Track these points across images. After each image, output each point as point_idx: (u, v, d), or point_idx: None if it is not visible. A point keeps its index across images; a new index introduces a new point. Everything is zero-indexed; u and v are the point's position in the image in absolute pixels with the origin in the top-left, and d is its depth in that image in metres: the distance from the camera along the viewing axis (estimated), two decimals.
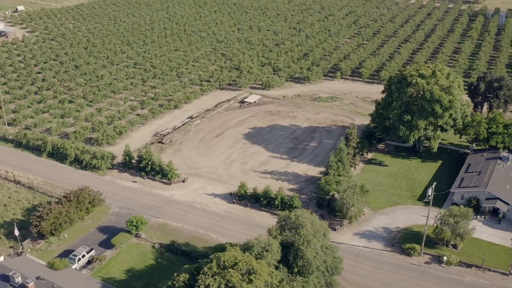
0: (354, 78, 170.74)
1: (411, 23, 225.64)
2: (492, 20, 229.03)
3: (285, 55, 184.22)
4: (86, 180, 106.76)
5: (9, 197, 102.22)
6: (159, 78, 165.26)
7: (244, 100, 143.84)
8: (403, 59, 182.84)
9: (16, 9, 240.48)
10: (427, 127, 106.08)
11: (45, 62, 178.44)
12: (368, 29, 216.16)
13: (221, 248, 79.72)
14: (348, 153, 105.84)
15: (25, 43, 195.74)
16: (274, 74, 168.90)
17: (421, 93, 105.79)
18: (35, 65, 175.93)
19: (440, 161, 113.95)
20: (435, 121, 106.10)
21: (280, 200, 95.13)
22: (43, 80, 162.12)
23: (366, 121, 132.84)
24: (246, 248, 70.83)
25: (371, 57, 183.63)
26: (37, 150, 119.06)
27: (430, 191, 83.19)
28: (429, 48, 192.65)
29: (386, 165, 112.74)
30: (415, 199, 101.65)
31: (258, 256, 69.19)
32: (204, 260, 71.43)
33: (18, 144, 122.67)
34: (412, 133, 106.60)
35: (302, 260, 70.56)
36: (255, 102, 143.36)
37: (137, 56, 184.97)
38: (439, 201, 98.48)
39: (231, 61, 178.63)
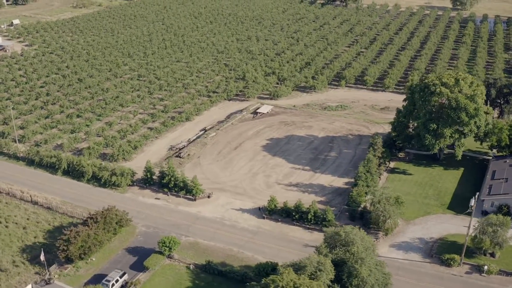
0: (358, 86, 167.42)
1: (405, 31, 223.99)
2: (483, 26, 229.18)
3: (287, 65, 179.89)
4: (106, 198, 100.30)
5: (28, 219, 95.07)
6: (165, 90, 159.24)
7: (257, 111, 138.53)
8: (404, 66, 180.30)
9: (12, 22, 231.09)
10: (453, 135, 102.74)
11: (47, 76, 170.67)
12: (364, 37, 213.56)
13: (264, 268, 74.52)
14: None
15: (24, 57, 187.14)
16: (279, 83, 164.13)
17: (446, 102, 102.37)
18: (37, 79, 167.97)
19: (462, 168, 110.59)
20: (461, 129, 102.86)
21: (313, 214, 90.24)
22: (47, 94, 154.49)
23: (380, 129, 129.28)
24: (298, 268, 65.77)
25: (372, 65, 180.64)
26: (51, 167, 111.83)
27: (472, 202, 79.41)
28: (427, 55, 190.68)
29: (410, 174, 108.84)
30: (445, 207, 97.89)
31: (312, 276, 64.24)
32: (254, 283, 66.12)
33: (30, 162, 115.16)
34: (438, 141, 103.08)
35: (356, 279, 65.90)
36: (267, 112, 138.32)
37: (140, 68, 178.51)
38: (467, 209, 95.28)
39: (235, 71, 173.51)
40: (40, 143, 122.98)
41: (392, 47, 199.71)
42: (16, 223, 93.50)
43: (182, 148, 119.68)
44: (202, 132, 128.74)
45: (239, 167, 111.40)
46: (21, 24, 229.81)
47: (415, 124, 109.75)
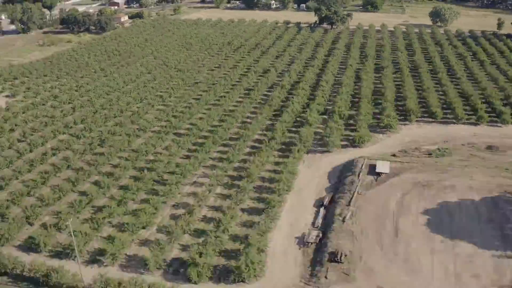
0: (424, 119, 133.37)
1: (417, 51, 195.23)
2: (476, 42, 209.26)
3: (336, 99, 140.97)
4: None
5: None
6: (222, 145, 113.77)
7: (376, 170, 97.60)
8: (454, 92, 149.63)
9: None
10: None
11: (53, 137, 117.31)
12: (386, 61, 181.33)
13: None
14: None
15: (13, 113, 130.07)
16: (358, 127, 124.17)
17: None
18: (42, 144, 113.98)
19: None
20: None
21: None
22: (68, 166, 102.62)
23: None
24: None
25: (424, 93, 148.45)
26: None
27: None
28: (463, 77, 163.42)
29: None
30: None
31: None
32: None
33: None
34: None
35: None
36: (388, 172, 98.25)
37: (168, 116, 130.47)
38: None
39: (288, 113, 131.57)
40: (105, 258, 73.15)
41: (422, 71, 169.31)
42: None
43: (320, 241, 76.58)
44: (322, 208, 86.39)
45: (427, 267, 70.76)
46: None
47: None
